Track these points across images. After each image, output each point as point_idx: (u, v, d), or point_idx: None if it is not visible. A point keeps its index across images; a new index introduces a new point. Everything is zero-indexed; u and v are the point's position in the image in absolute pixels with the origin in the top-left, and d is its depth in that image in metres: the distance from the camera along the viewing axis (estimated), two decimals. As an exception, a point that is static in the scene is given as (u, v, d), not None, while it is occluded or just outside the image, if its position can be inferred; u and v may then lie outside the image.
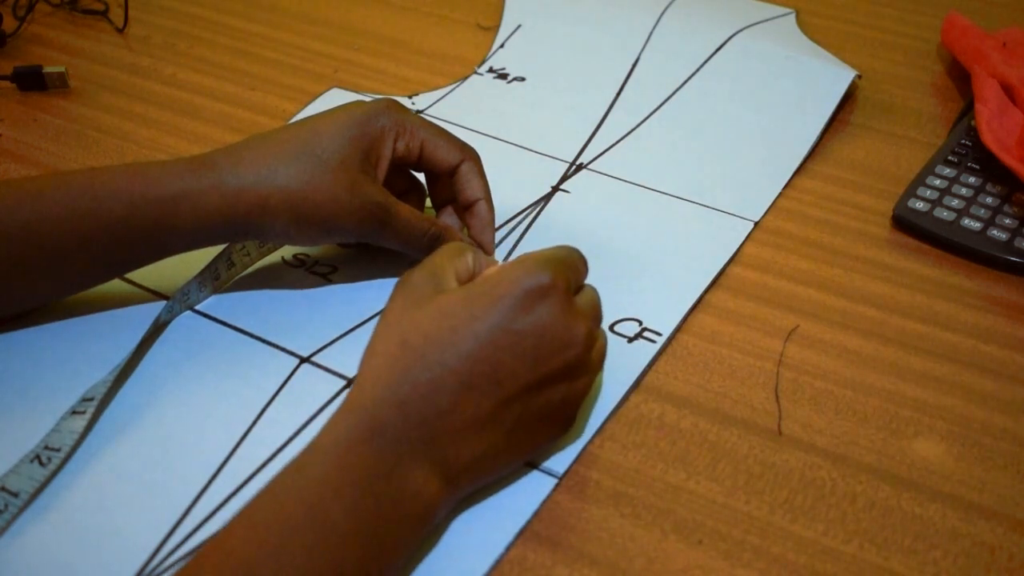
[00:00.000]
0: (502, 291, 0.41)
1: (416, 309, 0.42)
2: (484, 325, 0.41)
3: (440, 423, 0.40)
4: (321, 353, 0.51)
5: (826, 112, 0.67)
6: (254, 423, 0.47)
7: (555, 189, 0.61)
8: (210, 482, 0.45)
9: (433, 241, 0.52)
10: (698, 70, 0.71)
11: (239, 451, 0.46)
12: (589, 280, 0.55)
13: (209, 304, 0.53)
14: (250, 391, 0.49)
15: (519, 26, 0.76)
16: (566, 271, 0.43)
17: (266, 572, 0.36)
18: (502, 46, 0.74)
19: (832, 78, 0.69)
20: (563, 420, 0.45)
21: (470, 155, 0.54)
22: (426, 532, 0.41)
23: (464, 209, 0.55)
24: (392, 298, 0.43)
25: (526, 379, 0.41)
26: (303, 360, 0.50)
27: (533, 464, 0.45)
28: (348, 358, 0.50)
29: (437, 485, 0.40)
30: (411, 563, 0.41)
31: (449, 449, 0.40)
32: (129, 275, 0.54)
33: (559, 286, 0.42)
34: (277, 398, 0.48)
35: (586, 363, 0.44)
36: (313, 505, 0.37)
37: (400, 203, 0.51)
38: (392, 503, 0.39)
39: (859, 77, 0.70)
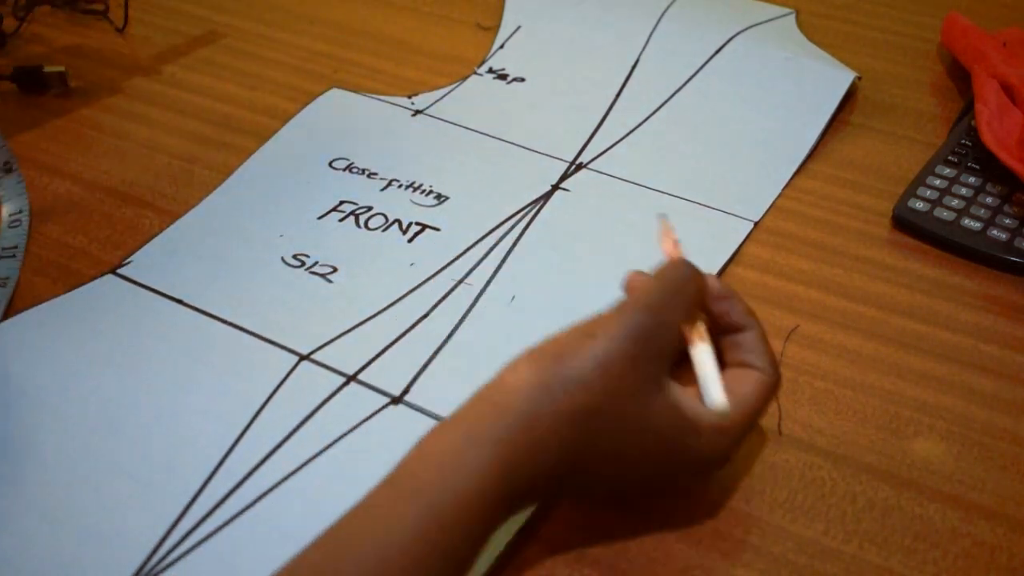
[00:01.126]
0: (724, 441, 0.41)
1: (642, 404, 0.39)
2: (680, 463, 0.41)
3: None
4: (321, 351, 0.51)
5: (826, 113, 0.67)
6: (252, 420, 0.47)
7: (555, 188, 0.61)
8: (209, 479, 0.45)
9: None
10: (698, 71, 0.71)
11: (237, 448, 0.46)
12: (590, 280, 0.55)
13: (208, 302, 0.53)
14: (249, 388, 0.49)
15: (519, 27, 0.75)
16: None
17: None
18: (502, 47, 0.74)
19: (832, 80, 0.69)
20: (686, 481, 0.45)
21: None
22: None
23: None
24: (621, 347, 0.38)
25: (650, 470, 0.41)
26: (303, 358, 0.50)
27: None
28: (348, 356, 0.50)
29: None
30: None
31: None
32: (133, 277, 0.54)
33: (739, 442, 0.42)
34: (276, 395, 0.48)
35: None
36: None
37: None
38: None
39: (859, 79, 0.70)
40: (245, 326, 0.52)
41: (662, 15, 0.76)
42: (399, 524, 0.35)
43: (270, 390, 0.49)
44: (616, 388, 0.38)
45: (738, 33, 0.74)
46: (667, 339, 0.40)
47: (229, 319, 0.52)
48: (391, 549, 0.34)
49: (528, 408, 0.37)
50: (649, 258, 0.56)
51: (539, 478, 0.38)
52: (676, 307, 0.41)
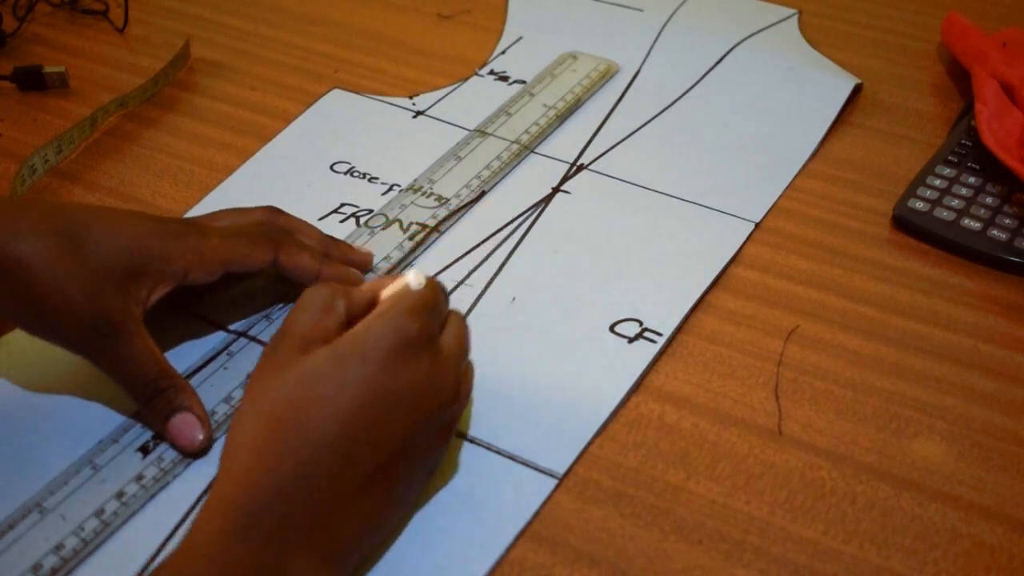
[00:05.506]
0: (370, 351, 0.39)
1: (281, 373, 0.39)
2: (358, 389, 0.38)
3: (323, 502, 0.38)
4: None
5: (827, 119, 0.67)
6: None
7: (555, 190, 0.61)
8: (210, 485, 0.45)
9: (154, 394, 0.45)
10: (700, 80, 0.71)
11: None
12: (590, 281, 0.55)
13: (208, 307, 0.53)
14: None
15: (520, 38, 0.75)
16: (431, 316, 0.41)
17: None
18: (503, 52, 0.74)
19: (833, 87, 0.69)
20: (440, 448, 0.43)
21: (282, 242, 0.50)
22: None
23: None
24: (258, 364, 0.41)
25: (403, 434, 0.40)
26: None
27: (534, 466, 0.45)
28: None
29: (324, 571, 0.38)
30: None
31: (335, 528, 0.38)
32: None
33: (425, 336, 0.40)
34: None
35: (457, 400, 0.43)
36: None
37: (142, 339, 0.45)
38: None
39: (860, 85, 0.70)
40: (245, 331, 0.52)
41: (663, 27, 0.76)
42: None
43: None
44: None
45: (740, 42, 0.74)
46: (293, 346, 0.40)
47: (229, 325, 0.52)
48: None
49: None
50: (649, 259, 0.57)
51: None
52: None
